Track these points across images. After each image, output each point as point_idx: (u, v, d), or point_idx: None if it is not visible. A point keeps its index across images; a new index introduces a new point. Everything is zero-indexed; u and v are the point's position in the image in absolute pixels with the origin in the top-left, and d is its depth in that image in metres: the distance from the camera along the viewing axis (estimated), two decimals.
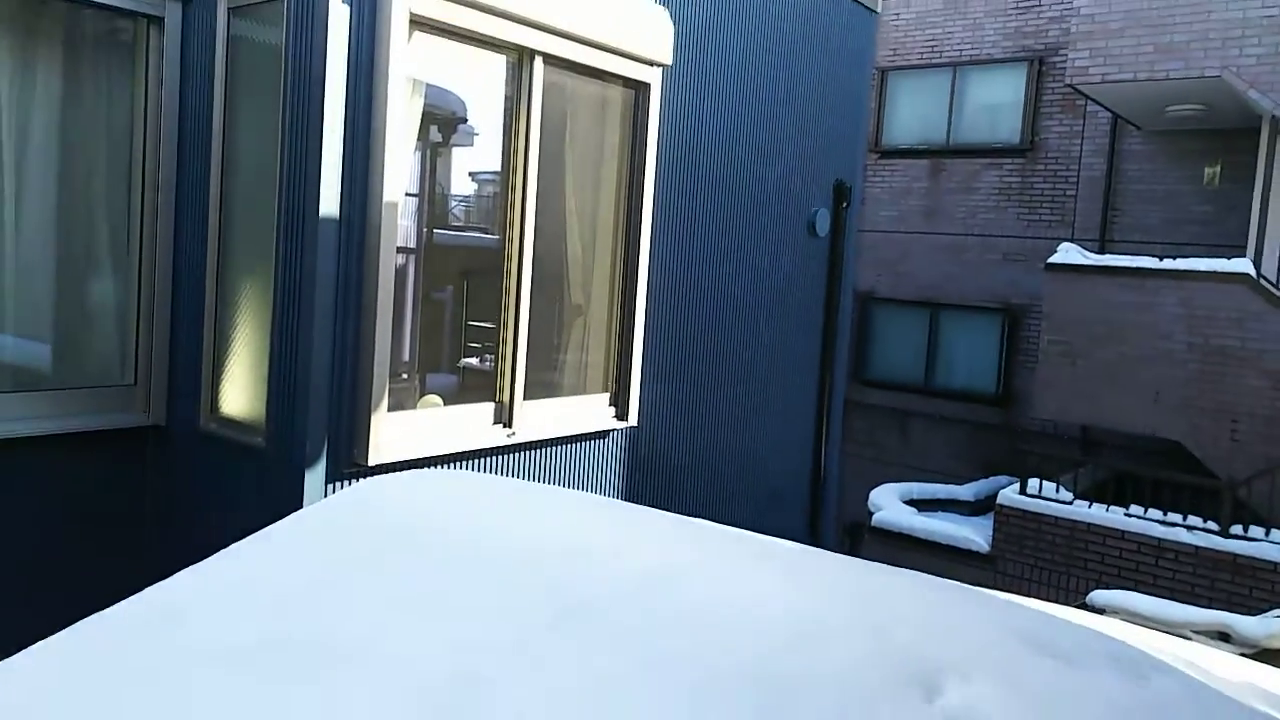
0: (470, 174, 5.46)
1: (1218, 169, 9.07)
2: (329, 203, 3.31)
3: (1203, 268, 7.51)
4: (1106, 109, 9.21)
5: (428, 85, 3.82)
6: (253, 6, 3.51)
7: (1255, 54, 7.57)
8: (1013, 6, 10.38)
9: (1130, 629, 1.73)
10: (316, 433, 3.40)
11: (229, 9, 3.58)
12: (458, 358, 4.54)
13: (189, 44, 3.74)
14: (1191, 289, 7.50)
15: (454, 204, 5.13)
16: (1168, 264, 7.68)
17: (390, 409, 3.61)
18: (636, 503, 4.80)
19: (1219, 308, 7.39)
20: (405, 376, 4.14)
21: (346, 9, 3.30)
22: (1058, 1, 10.00)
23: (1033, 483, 7.77)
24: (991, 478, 9.59)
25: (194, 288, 3.79)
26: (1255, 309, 7.27)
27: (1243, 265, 7.40)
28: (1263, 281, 7.34)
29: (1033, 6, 10.29)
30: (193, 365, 3.81)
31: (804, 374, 6.08)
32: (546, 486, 2.55)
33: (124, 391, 3.84)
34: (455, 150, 4.71)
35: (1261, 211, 7.74)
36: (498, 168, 4.10)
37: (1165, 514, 7.23)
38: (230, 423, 3.70)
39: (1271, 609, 6.33)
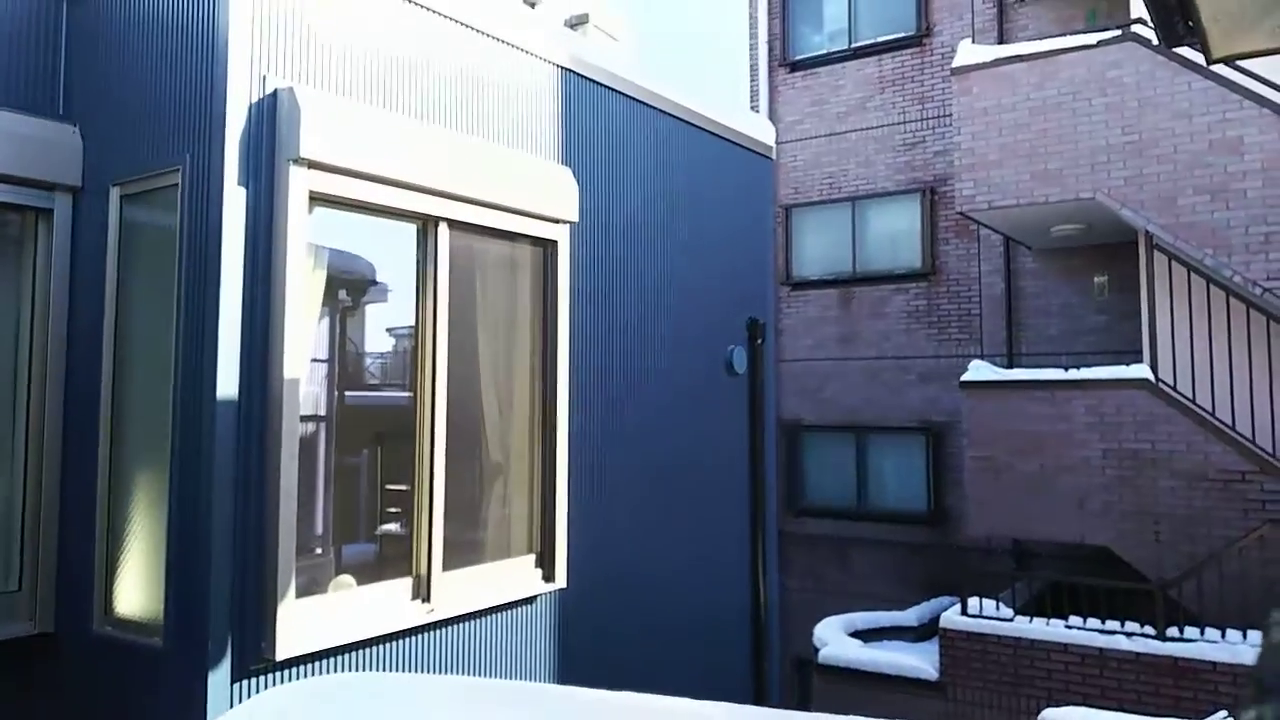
0: (387, 329, 5.36)
1: (1105, 280, 9.55)
2: (227, 385, 3.19)
3: (1105, 375, 7.77)
4: (997, 232, 9.70)
5: (333, 251, 3.78)
6: (146, 193, 3.46)
7: (1122, 176, 8.12)
8: (900, 144, 11.03)
9: None
10: (219, 629, 3.15)
11: (121, 196, 3.52)
12: (375, 525, 4.33)
13: (80, 234, 3.65)
14: (1098, 396, 7.73)
15: (369, 361, 5.02)
16: (1073, 374, 7.92)
17: (300, 594, 3.39)
18: (571, 668, 4.56)
19: (1126, 413, 7.61)
20: (319, 551, 3.91)
21: (243, 190, 3.27)
22: (940, 138, 10.68)
23: (973, 602, 7.70)
24: (933, 600, 9.50)
25: (85, 482, 3.57)
26: (1159, 412, 7.50)
27: (1141, 371, 7.68)
28: (1162, 385, 7.61)
29: (918, 143, 10.95)
30: (85, 564, 3.54)
31: (735, 511, 5.99)
32: (451, 683, 2.37)
33: (7, 599, 3.53)
34: (368, 308, 4.64)
35: (1150, 318, 8.11)
36: (413, 321, 4.03)
37: (1104, 622, 7.20)
38: (126, 624, 3.42)
39: (1216, 711, 6.26)
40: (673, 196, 5.47)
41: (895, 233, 11.06)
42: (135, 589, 3.42)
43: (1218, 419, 7.48)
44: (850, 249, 11.27)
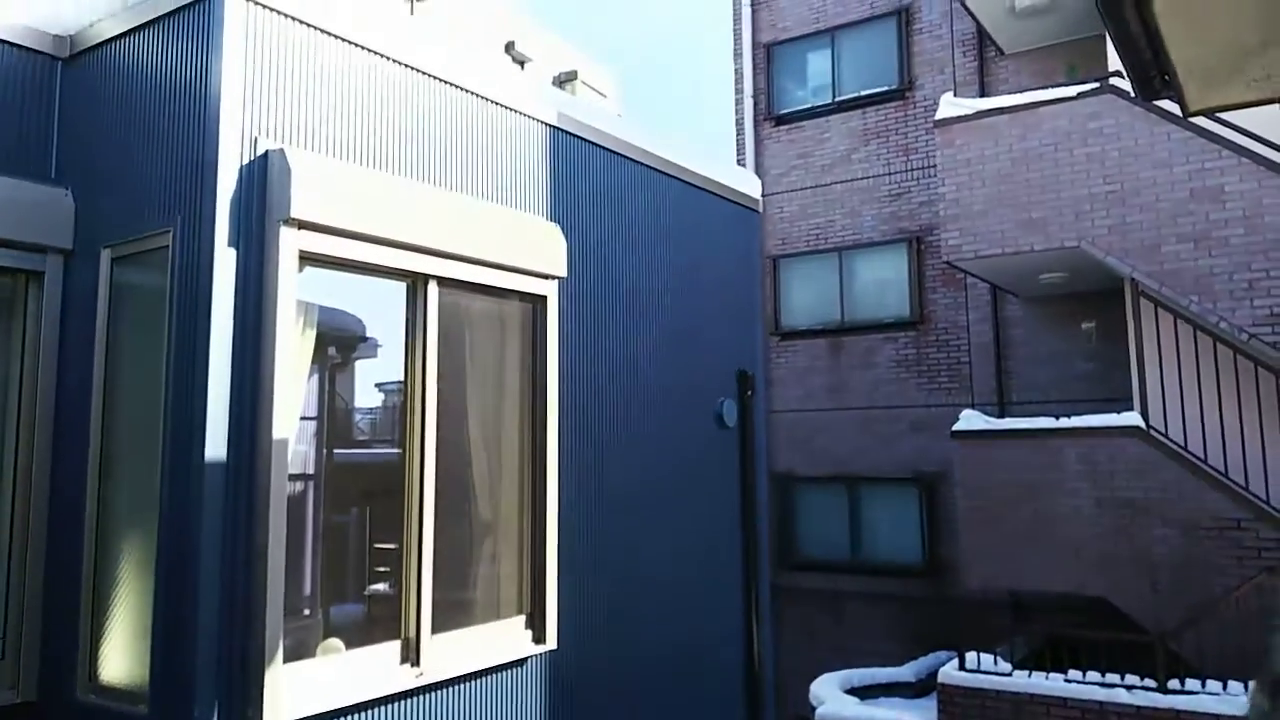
0: (376, 385, 5.35)
1: (1093, 327, 9.64)
2: (216, 446, 3.18)
3: (1096, 423, 7.80)
4: (984, 280, 9.81)
5: (322, 309, 3.79)
6: (137, 255, 3.49)
7: (1105, 224, 8.22)
8: (885, 195, 11.20)
9: None
10: (205, 695, 3.11)
11: (112, 258, 3.54)
12: (364, 585, 4.29)
13: (70, 295, 3.67)
14: (1089, 445, 7.75)
15: (358, 418, 5.01)
16: (1064, 423, 7.95)
17: (288, 658, 3.34)
18: None
19: (1118, 461, 7.62)
20: (307, 613, 3.87)
21: (233, 251, 3.29)
22: (924, 188, 10.85)
23: (970, 656, 7.61)
24: (931, 654, 9.38)
25: (71, 546, 3.54)
26: (1152, 460, 7.52)
27: (1133, 418, 7.71)
28: (1153, 432, 7.64)
29: (903, 194, 11.12)
30: (69, 630, 3.50)
31: (728, 566, 5.95)
32: None
33: None
34: (358, 364, 4.64)
35: (1139, 365, 8.16)
36: (403, 377, 4.04)
37: (1104, 675, 7.12)
38: (111, 691, 3.37)
39: None
40: (661, 250, 5.53)
41: (883, 282, 11.17)
42: (120, 655, 3.38)
43: (1210, 466, 7.49)
44: (838, 298, 11.37)
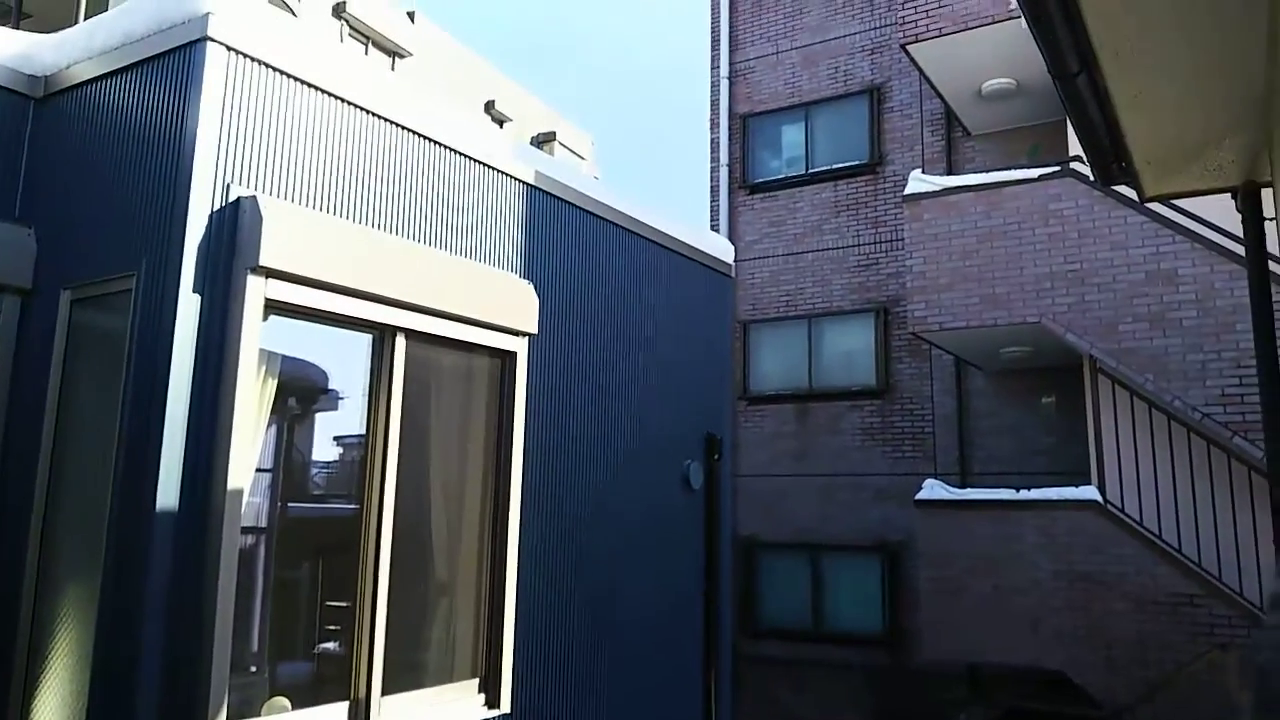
0: (334, 438, 5.21)
1: (1053, 401, 9.73)
2: (167, 497, 3.06)
3: (1054, 496, 7.82)
4: (948, 352, 9.90)
5: (285, 358, 3.70)
6: (98, 297, 3.39)
7: (1066, 303, 8.35)
8: (855, 265, 11.33)
9: None
10: None
11: (72, 300, 3.44)
12: (313, 644, 4.11)
13: (25, 337, 3.55)
14: (1048, 517, 7.76)
15: (315, 471, 4.87)
16: (1024, 495, 7.96)
17: (232, 716, 3.17)
18: None
19: (1076, 535, 7.63)
20: (254, 669, 3.69)
21: (198, 297, 3.21)
22: (893, 260, 11.00)
23: None
24: None
25: (9, 591, 3.37)
26: (1108, 534, 7.53)
27: (1090, 493, 7.74)
28: (1110, 507, 7.67)
29: (871, 265, 11.26)
30: (1, 681, 3.30)
31: (689, 631, 5.81)
32: None
33: None
34: (318, 416, 4.52)
35: (1097, 440, 8.23)
36: (362, 430, 3.93)
37: None
38: None
39: None
40: (633, 310, 5.50)
41: (850, 350, 11.24)
42: (56, 709, 3.19)
43: (1165, 541, 7.52)
44: (807, 365, 11.41)
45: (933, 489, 8.32)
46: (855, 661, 10.39)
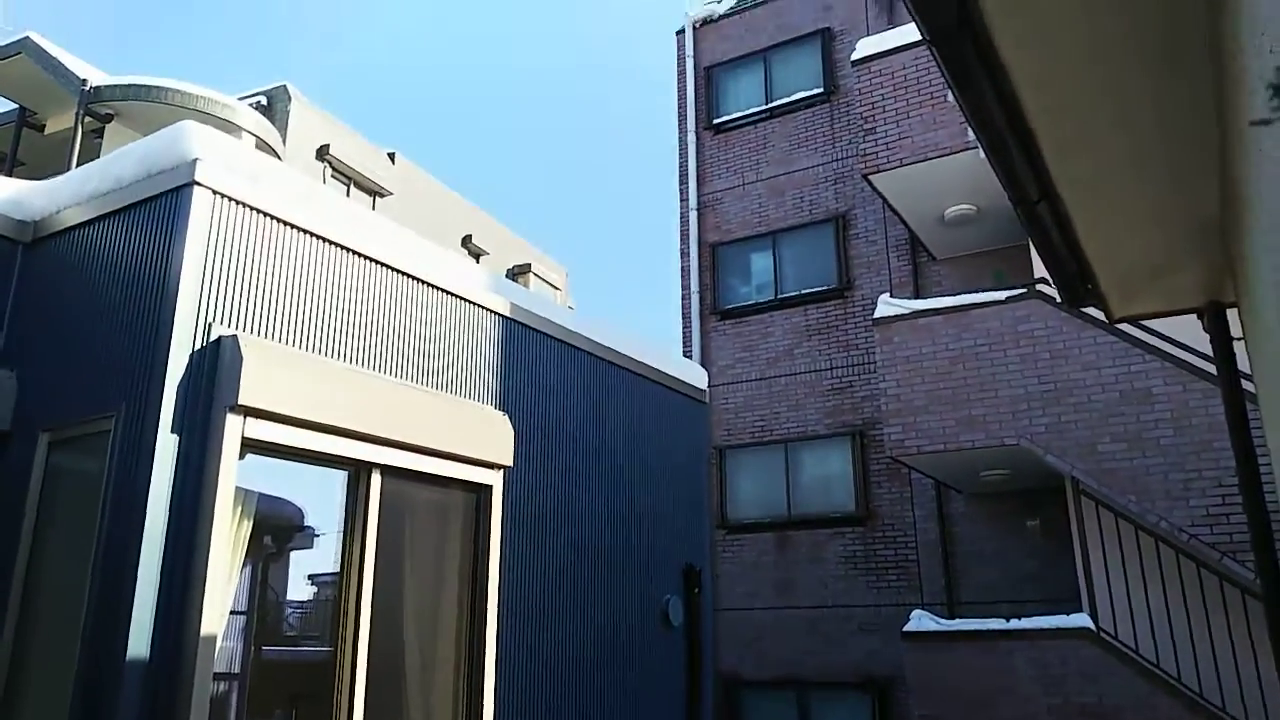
0: (309, 576, 5.22)
1: (1037, 524, 9.88)
2: (138, 645, 3.11)
3: (1045, 625, 7.84)
4: (928, 476, 10.08)
5: (262, 496, 3.80)
6: (76, 439, 3.51)
7: (1044, 423, 8.57)
8: (828, 389, 11.64)
9: None
10: None
11: (49, 442, 3.55)
12: None
13: (1, 476, 3.63)
14: (1040, 648, 7.76)
15: (289, 612, 4.86)
16: (1014, 625, 7.97)
17: None
18: None
19: (1070, 664, 7.63)
20: None
21: (176, 438, 3.34)
22: (866, 383, 11.32)
23: None
24: None
25: None
26: (1104, 663, 7.53)
27: (1081, 620, 7.78)
28: (1103, 634, 7.69)
29: (845, 388, 11.57)
30: None
31: None
32: None
33: None
34: (293, 555, 4.56)
35: (1085, 563, 8.31)
36: (338, 567, 3.99)
37: None
38: None
39: None
40: (609, 440, 5.67)
41: (828, 476, 11.39)
42: None
43: (1163, 670, 7.52)
44: (785, 491, 11.52)
45: (920, 620, 8.34)
46: None
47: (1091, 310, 8.06)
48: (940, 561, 10.47)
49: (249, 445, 3.54)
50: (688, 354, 12.36)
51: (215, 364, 3.47)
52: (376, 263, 4.30)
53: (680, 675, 5.93)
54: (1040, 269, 9.58)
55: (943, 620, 8.48)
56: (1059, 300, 8.61)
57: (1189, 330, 8.38)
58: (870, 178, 10.39)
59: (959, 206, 10.53)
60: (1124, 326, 8.31)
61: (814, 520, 11.26)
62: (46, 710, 3.23)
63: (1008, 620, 8.14)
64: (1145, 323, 8.30)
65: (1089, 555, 8.27)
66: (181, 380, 3.37)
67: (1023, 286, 9.17)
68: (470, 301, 4.82)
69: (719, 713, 10.12)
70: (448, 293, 4.69)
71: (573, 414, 5.42)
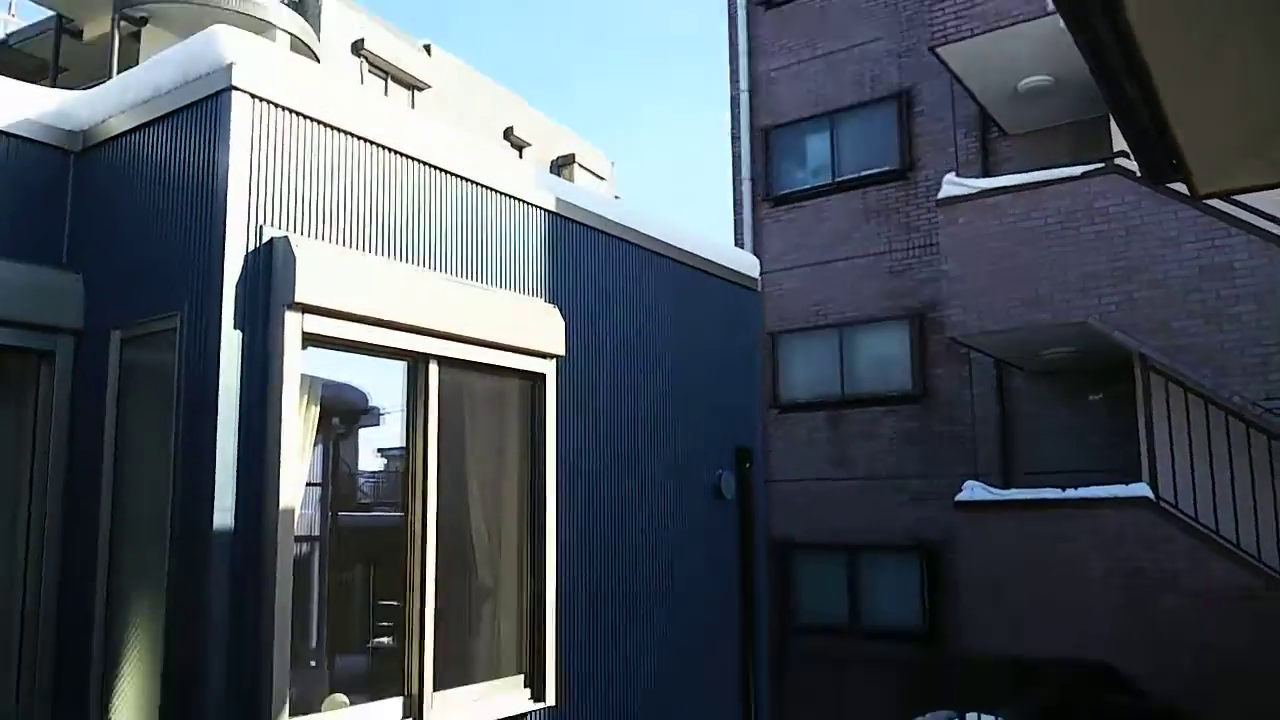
0: (379, 450, 5.55)
1: (1100, 399, 9.67)
2: (223, 516, 3.36)
3: (1103, 494, 7.78)
4: (988, 355, 9.91)
5: (326, 383, 4.01)
6: (145, 336, 3.72)
7: (1113, 300, 8.31)
8: (886, 272, 11.40)
9: None
10: None
11: (121, 339, 3.78)
12: (368, 641, 4.43)
13: (81, 375, 3.90)
14: (1097, 516, 7.74)
15: (363, 482, 5.19)
16: (1070, 494, 7.94)
17: (294, 713, 3.47)
18: None
19: (1126, 532, 7.60)
20: (313, 668, 4.03)
21: (239, 334, 3.51)
22: (926, 265, 11.05)
23: (970, 717, 7.53)
24: (929, 714, 9.24)
25: (83, 609, 3.74)
26: (1161, 531, 7.48)
27: (1141, 490, 7.70)
28: (1163, 504, 7.63)
29: (904, 271, 11.31)
30: (80, 687, 3.66)
31: (726, 631, 6.01)
32: None
33: (5, 715, 3.64)
34: (361, 432, 4.85)
35: (1149, 438, 8.17)
36: (403, 449, 4.22)
37: None
38: None
39: None
40: (660, 329, 5.74)
41: (885, 357, 11.27)
42: (132, 710, 3.51)
43: (1222, 537, 7.46)
44: (839, 373, 11.46)
45: (973, 489, 8.36)
46: (894, 655, 10.40)
47: (1173, 185, 7.73)
48: (996, 437, 10.38)
49: (309, 339, 3.71)
50: (740, 242, 12.20)
51: (269, 264, 3.60)
52: (421, 163, 4.34)
53: (733, 543, 6.13)
54: (1119, 142, 9.12)
55: (996, 490, 8.49)
56: (1138, 176, 8.24)
57: (1276, 203, 7.98)
58: (938, 50, 9.87)
59: (1035, 78, 9.88)
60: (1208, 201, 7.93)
61: (868, 399, 11.22)
62: (146, 582, 3.55)
63: (1063, 490, 8.12)
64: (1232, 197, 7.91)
65: (1153, 429, 8.13)
66: (239, 280, 3.51)
67: (1100, 161, 8.77)
68: (517, 198, 4.86)
69: (773, 572, 10.44)
70: (494, 190, 4.73)
71: (623, 305, 5.49)
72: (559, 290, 5.02)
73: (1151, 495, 7.65)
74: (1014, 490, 8.57)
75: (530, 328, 4.68)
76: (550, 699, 4.53)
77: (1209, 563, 7.32)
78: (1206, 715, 6.85)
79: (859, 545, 10.89)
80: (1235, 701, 6.75)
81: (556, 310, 4.89)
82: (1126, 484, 8.03)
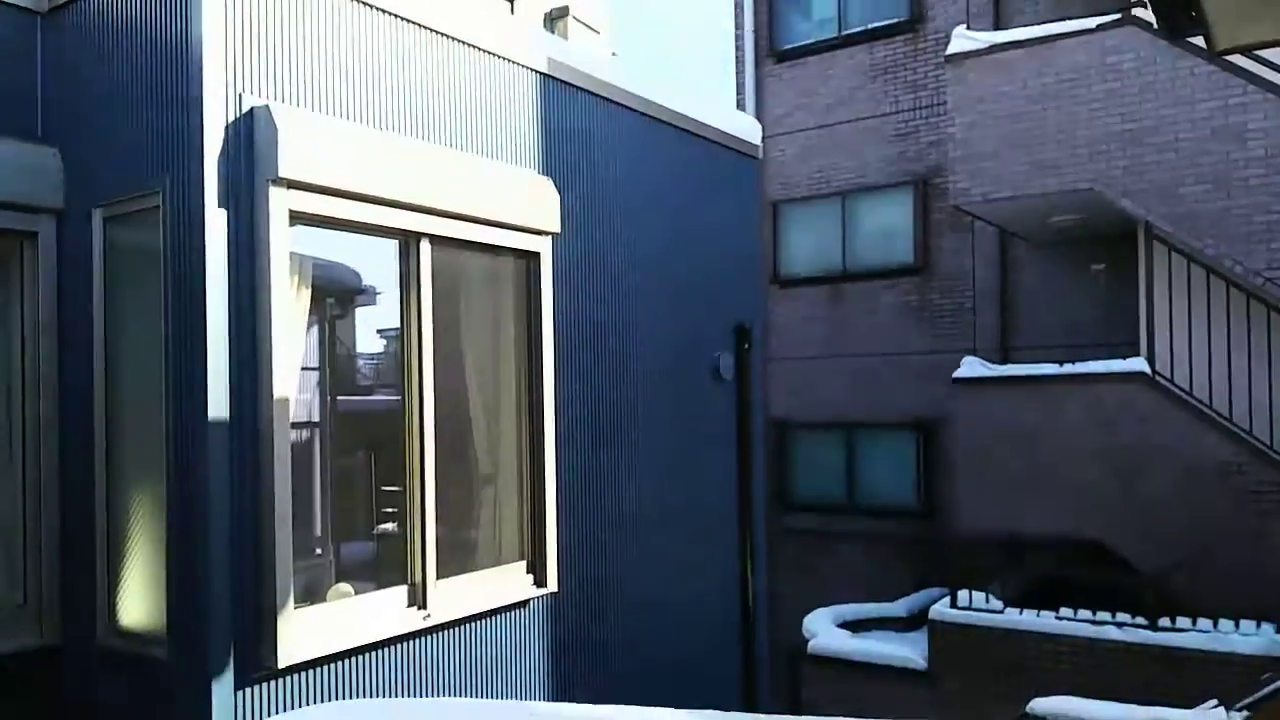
0: (377, 331, 5.44)
1: (1102, 269, 9.55)
2: (218, 401, 3.28)
3: (1100, 370, 7.79)
4: (992, 224, 9.70)
5: (318, 263, 3.87)
6: (129, 215, 3.55)
7: (1121, 165, 8.07)
8: (892, 135, 10.99)
9: None
10: (220, 639, 3.27)
11: (104, 218, 3.61)
12: (372, 525, 4.48)
13: (66, 256, 3.75)
14: (1093, 391, 7.76)
15: (362, 364, 5.12)
16: (1067, 369, 7.94)
17: (299, 603, 3.51)
18: (563, 667, 4.70)
19: (1122, 407, 7.64)
20: (317, 556, 4.06)
21: (224, 211, 3.35)
22: (933, 128, 10.65)
23: (962, 594, 7.79)
24: (923, 591, 9.59)
25: (83, 498, 3.69)
26: (1156, 406, 7.52)
27: (1138, 364, 7.70)
28: (1159, 378, 7.64)
29: (910, 134, 10.90)
30: (87, 578, 3.67)
31: (724, 510, 6.10)
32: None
33: (13, 613, 3.68)
34: (357, 312, 4.73)
35: (1149, 310, 8.10)
36: (399, 332, 4.12)
37: (1095, 613, 7.29)
38: (131, 636, 3.54)
39: (1205, 699, 6.35)
40: (658, 200, 5.53)
41: (887, 227, 11.02)
42: (138, 601, 3.55)
43: (1215, 411, 7.51)
44: (840, 245, 11.24)
45: (971, 366, 8.36)
46: (888, 532, 10.71)
47: (1191, 40, 7.34)
48: (997, 310, 10.30)
49: (297, 217, 3.54)
50: (740, 102, 11.70)
51: (251, 136, 3.38)
52: (405, 20, 4.03)
53: (731, 423, 6.14)
54: None
55: (994, 366, 8.50)
56: (1156, 28, 7.83)
57: None
58: None
59: None
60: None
61: (869, 273, 11.06)
62: (145, 470, 3.50)
63: (1061, 365, 8.13)
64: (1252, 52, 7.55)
65: (1154, 301, 8.06)
66: (220, 154, 3.31)
67: (1116, 12, 8.32)
68: (507, 59, 4.56)
69: (771, 451, 10.61)
70: (483, 50, 4.43)
71: (619, 175, 5.26)
72: (553, 160, 4.80)
73: (1148, 370, 7.64)
74: (1011, 366, 8.55)
75: (525, 203, 4.49)
76: (552, 585, 4.58)
77: (1201, 437, 7.39)
78: (1192, 587, 7.06)
79: (856, 423, 10.96)
80: (1220, 573, 6.95)
81: (551, 183, 4.69)
82: (1124, 358, 8.02)
